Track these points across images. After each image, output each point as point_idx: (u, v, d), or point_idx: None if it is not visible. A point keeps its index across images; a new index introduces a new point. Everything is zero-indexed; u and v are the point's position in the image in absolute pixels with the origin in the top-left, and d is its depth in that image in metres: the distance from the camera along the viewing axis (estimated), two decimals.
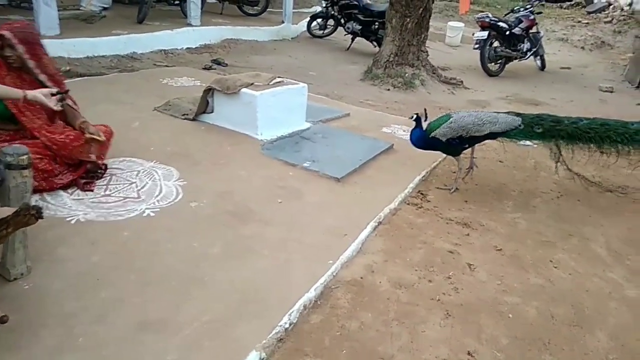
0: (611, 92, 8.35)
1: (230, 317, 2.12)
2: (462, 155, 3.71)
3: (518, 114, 3.69)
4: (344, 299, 2.39)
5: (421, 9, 7.45)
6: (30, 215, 1.78)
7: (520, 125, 3.58)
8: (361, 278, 2.56)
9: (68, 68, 5.63)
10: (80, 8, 7.97)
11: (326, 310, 2.30)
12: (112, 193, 2.94)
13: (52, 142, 2.86)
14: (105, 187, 2.99)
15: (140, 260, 2.40)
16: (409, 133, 3.64)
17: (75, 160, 2.97)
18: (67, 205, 2.75)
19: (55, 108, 2.71)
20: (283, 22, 10.09)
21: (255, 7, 10.44)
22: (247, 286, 2.33)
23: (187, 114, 4.27)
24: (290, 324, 2.14)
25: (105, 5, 8.37)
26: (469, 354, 2.15)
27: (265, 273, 2.45)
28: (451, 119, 3.53)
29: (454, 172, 3.81)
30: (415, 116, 3.55)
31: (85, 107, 4.26)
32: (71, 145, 2.92)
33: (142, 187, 3.05)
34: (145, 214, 2.78)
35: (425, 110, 3.67)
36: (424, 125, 3.57)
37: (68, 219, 2.64)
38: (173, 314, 2.09)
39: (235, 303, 2.20)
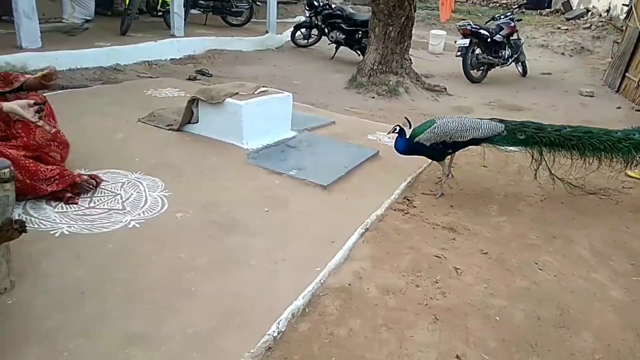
0: (592, 96, 8.50)
1: (218, 328, 2.10)
2: (446, 160, 3.76)
3: (501, 120, 3.73)
4: (332, 306, 2.39)
5: (403, 18, 7.53)
6: (14, 229, 1.76)
7: (503, 132, 3.62)
8: (349, 285, 2.56)
9: None
10: (62, 20, 7.95)
11: (314, 318, 2.29)
12: (97, 205, 2.91)
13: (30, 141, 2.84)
14: (89, 199, 2.97)
15: (125, 273, 2.38)
16: (394, 141, 3.67)
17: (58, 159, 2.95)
18: (50, 218, 2.72)
19: (33, 120, 2.67)
20: (267, 32, 10.14)
21: (239, 18, 10.48)
22: (234, 297, 2.31)
23: (171, 125, 4.26)
24: (278, 333, 2.13)
25: (88, 18, 8.34)
26: (457, 357, 2.16)
27: (253, 283, 2.43)
28: (435, 125, 3.58)
29: (439, 178, 3.85)
30: (397, 128, 3.60)
31: (69, 120, 4.24)
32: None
33: (127, 199, 3.02)
34: (130, 226, 2.76)
35: (407, 118, 3.71)
36: (408, 132, 3.61)
37: (52, 232, 2.60)
38: (159, 326, 2.07)
39: (222, 314, 2.19)
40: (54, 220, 2.71)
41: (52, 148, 3.00)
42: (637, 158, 3.63)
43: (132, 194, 3.08)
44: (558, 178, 3.89)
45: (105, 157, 3.55)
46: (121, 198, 3.02)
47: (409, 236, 3.12)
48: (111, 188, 3.12)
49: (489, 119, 3.78)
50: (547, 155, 3.71)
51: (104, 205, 2.92)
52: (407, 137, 3.61)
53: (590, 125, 3.89)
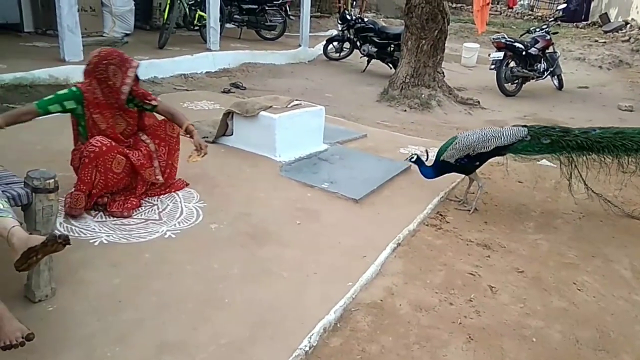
0: (631, 110, 8.26)
1: (249, 339, 2.12)
2: (478, 173, 3.71)
3: (525, 126, 3.66)
4: (364, 321, 2.37)
5: (436, 31, 7.50)
6: (58, 243, 1.82)
7: (526, 137, 3.52)
8: (381, 300, 2.54)
9: None
10: (104, 35, 8.23)
11: (346, 334, 2.28)
12: (134, 215, 2.98)
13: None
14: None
15: (161, 282, 2.42)
16: (419, 171, 3.69)
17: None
18: (90, 227, 2.80)
19: (202, 145, 3.14)
20: (300, 45, 10.25)
21: (273, 32, 10.63)
22: (266, 308, 2.33)
23: (206, 137, 4.33)
24: (310, 347, 2.12)
25: (127, 32, 8.61)
26: None
27: (284, 295, 2.44)
28: (456, 140, 3.58)
29: (473, 193, 3.79)
30: (415, 157, 3.62)
31: None
32: (142, 167, 3.06)
33: (164, 209, 3.09)
34: (166, 236, 2.81)
35: (426, 150, 3.70)
36: (428, 161, 3.66)
37: (91, 241, 2.68)
38: (192, 335, 2.10)
39: (254, 324, 2.20)
40: (94, 229, 2.79)
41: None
42: None
43: (168, 204, 3.15)
44: (594, 192, 3.77)
45: None
46: (158, 209, 3.09)
47: (442, 252, 3.08)
48: (148, 199, 3.19)
49: (513, 126, 3.72)
50: (578, 161, 3.54)
51: (141, 215, 2.99)
52: (427, 164, 3.65)
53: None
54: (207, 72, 7.77)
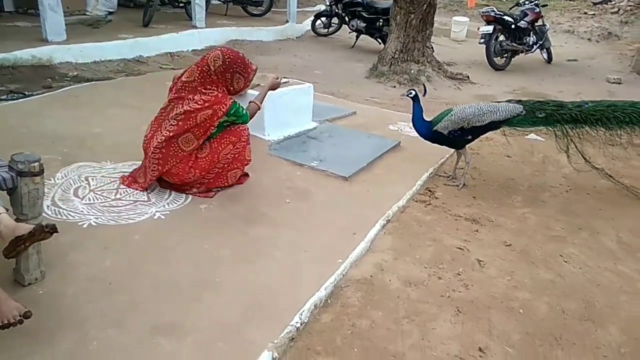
0: (619, 83, 8.29)
1: (243, 318, 2.14)
2: (467, 149, 3.72)
3: (519, 101, 3.67)
4: (355, 297, 2.40)
5: (425, 5, 7.43)
6: (46, 232, 1.82)
7: (522, 112, 3.54)
8: (371, 276, 2.57)
9: (75, 73, 5.69)
10: (86, 13, 8.06)
11: (337, 309, 2.31)
12: (123, 197, 2.97)
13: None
14: (115, 190, 3.03)
15: (152, 264, 2.43)
16: (411, 117, 3.66)
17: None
18: (78, 210, 2.79)
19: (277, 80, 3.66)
20: (287, 21, 10.11)
21: (260, 8, 10.47)
22: (259, 288, 2.35)
23: None
24: (301, 324, 2.15)
25: (111, 10, 8.44)
26: (480, 350, 2.16)
27: (276, 274, 2.46)
28: (452, 112, 3.57)
29: (461, 168, 3.81)
30: (413, 93, 3.59)
31: (94, 112, 4.33)
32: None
33: (152, 190, 3.07)
34: (155, 217, 2.81)
35: (424, 85, 3.67)
36: (422, 100, 3.62)
37: (80, 224, 2.67)
38: (185, 317, 2.11)
39: (247, 305, 2.22)
40: (82, 211, 2.77)
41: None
42: None
43: (156, 185, 3.13)
44: (594, 167, 3.80)
45: (131, 149, 3.60)
46: (146, 190, 3.07)
47: (431, 228, 3.11)
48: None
49: (507, 101, 3.72)
50: (571, 134, 3.59)
51: (129, 197, 2.98)
52: (426, 119, 3.61)
53: None
54: (193, 50, 7.65)
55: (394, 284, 2.53)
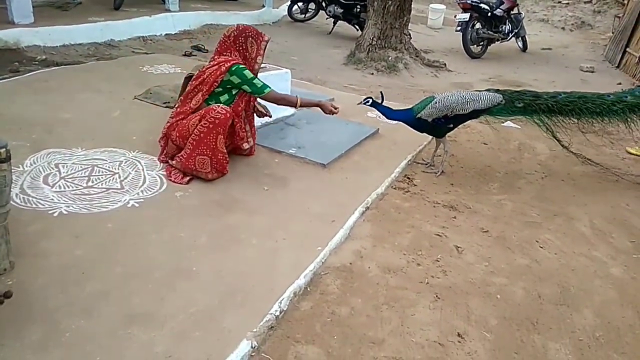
0: (592, 72, 8.44)
1: (219, 307, 2.10)
2: (446, 136, 3.74)
3: (498, 91, 3.72)
4: (334, 285, 2.39)
5: None
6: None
7: (502, 102, 3.60)
8: (350, 264, 2.55)
9: (44, 57, 5.49)
10: None
11: (316, 297, 2.29)
12: (95, 184, 2.88)
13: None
14: (87, 178, 2.93)
15: (126, 252, 2.36)
16: (383, 115, 3.65)
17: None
18: (48, 198, 2.69)
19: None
20: (264, 6, 9.96)
21: None
22: (235, 275, 2.31)
23: (168, 102, 4.19)
24: (280, 312, 2.13)
25: None
26: (458, 335, 2.17)
27: (254, 262, 2.43)
28: (435, 99, 3.57)
29: (439, 155, 3.82)
30: (370, 100, 3.59)
31: (64, 97, 4.19)
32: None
33: (125, 178, 2.99)
34: (129, 205, 2.73)
35: (381, 92, 3.69)
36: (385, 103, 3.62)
37: (50, 212, 2.58)
38: (160, 305, 2.06)
39: (223, 293, 2.18)
40: (52, 199, 2.68)
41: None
42: (631, 120, 3.65)
43: (130, 172, 3.05)
44: (572, 152, 3.91)
45: (103, 135, 3.51)
46: (119, 177, 2.99)
47: (409, 215, 3.11)
48: (109, 167, 3.09)
49: (486, 90, 3.76)
50: (548, 122, 3.70)
51: (102, 184, 2.89)
52: (384, 105, 3.62)
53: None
54: (166, 34, 7.48)
55: (373, 271, 2.53)
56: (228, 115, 3.03)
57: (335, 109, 3.43)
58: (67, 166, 3.04)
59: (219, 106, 3.03)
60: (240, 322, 2.02)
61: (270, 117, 3.75)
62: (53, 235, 2.41)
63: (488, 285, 2.53)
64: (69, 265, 2.24)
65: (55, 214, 2.57)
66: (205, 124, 2.98)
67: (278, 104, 3.37)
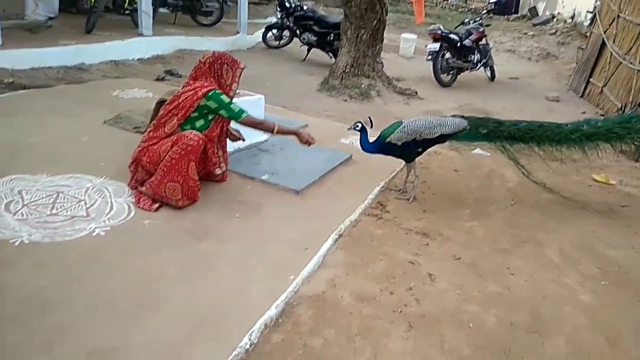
0: (557, 101, 8.70)
1: (187, 340, 2.03)
2: (416, 161, 3.78)
3: (463, 117, 3.81)
4: (306, 315, 2.34)
5: (375, 21, 7.55)
6: None
7: (467, 127, 3.69)
8: (323, 293, 2.52)
9: (11, 80, 5.37)
10: (25, 17, 7.65)
11: (288, 328, 2.24)
12: (59, 212, 2.79)
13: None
14: (51, 205, 2.84)
15: (90, 284, 2.28)
16: (359, 141, 3.68)
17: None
18: (10, 226, 2.59)
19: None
20: (238, 32, 10.02)
21: (209, 17, 10.33)
22: (205, 307, 2.24)
23: (139, 127, 4.13)
24: (250, 345, 2.07)
25: (51, 15, 8.06)
26: None
27: (224, 292, 2.37)
28: (404, 124, 3.63)
29: (411, 182, 3.84)
30: (359, 125, 3.62)
31: (31, 121, 4.09)
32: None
33: (92, 205, 2.91)
34: (95, 234, 2.65)
35: (370, 118, 3.72)
36: (369, 131, 3.64)
37: (11, 241, 2.48)
38: (124, 340, 1.98)
39: (192, 325, 2.11)
40: (13, 228, 2.58)
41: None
42: (588, 148, 3.77)
43: (97, 199, 2.97)
44: (527, 176, 3.98)
45: (69, 161, 3.42)
46: (85, 204, 2.90)
47: (382, 242, 3.10)
48: (75, 194, 3.00)
49: (452, 116, 3.85)
50: (510, 150, 3.80)
51: (66, 212, 2.80)
52: (369, 137, 3.64)
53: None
54: (139, 59, 7.43)
55: (346, 300, 2.49)
56: (201, 142, 3.00)
57: (312, 139, 3.42)
58: (30, 193, 2.94)
59: (191, 132, 3.00)
60: (209, 356, 1.96)
61: (244, 140, 3.73)
62: (13, 266, 2.31)
63: (461, 313, 2.52)
64: (30, 297, 2.14)
65: (17, 243, 2.47)
66: (177, 150, 2.94)
67: (255, 129, 3.35)
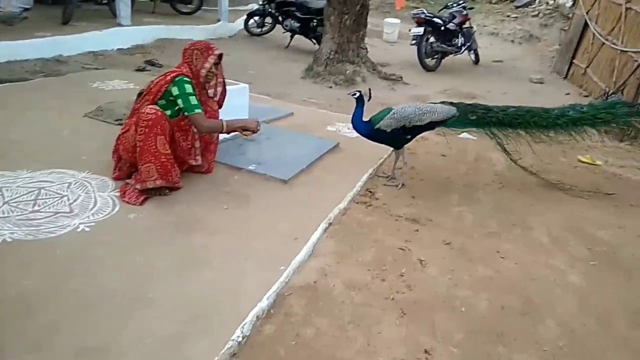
0: (541, 83, 8.75)
1: (180, 335, 2.00)
2: (404, 148, 3.76)
3: (452, 104, 3.81)
4: (298, 305, 2.32)
5: (358, 6, 7.49)
6: None
7: (456, 114, 3.69)
8: (314, 282, 2.50)
9: None
10: None
11: (280, 319, 2.22)
12: (42, 208, 2.72)
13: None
14: (33, 202, 2.77)
15: (77, 281, 2.23)
16: (352, 117, 3.65)
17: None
18: None
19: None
20: (219, 20, 9.87)
21: (189, 5, 10.16)
22: (196, 300, 2.21)
23: (120, 119, 4.04)
24: (243, 337, 2.04)
25: (26, 6, 7.82)
26: (425, 352, 2.14)
27: (215, 285, 2.33)
28: (394, 111, 3.62)
29: (400, 168, 3.83)
30: (358, 94, 3.61)
31: (9, 116, 3.98)
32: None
33: (75, 200, 2.84)
34: (79, 230, 2.59)
35: (370, 90, 3.69)
36: (366, 105, 3.63)
37: None
38: (115, 337, 1.94)
39: (183, 320, 2.08)
40: None
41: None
42: (575, 132, 3.83)
43: (80, 195, 2.90)
44: (517, 163, 3.99)
45: (50, 156, 3.33)
46: (68, 200, 2.83)
47: (372, 229, 3.09)
48: (57, 189, 2.93)
49: (441, 102, 3.83)
50: (499, 135, 3.83)
51: (49, 208, 2.73)
52: (366, 118, 3.62)
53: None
54: (118, 49, 7.27)
55: (338, 289, 2.48)
56: (159, 113, 2.93)
57: (258, 125, 3.29)
58: (11, 190, 2.86)
59: (147, 107, 2.95)
60: (202, 351, 1.93)
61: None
62: None
63: (452, 298, 2.52)
64: (15, 297, 2.09)
65: None
66: (140, 131, 2.89)
67: (202, 132, 3.22)
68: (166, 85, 3.05)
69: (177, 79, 3.06)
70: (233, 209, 3.03)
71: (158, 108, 2.97)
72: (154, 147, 2.89)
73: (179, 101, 3.04)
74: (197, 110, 3.06)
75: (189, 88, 3.06)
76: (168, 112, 3.05)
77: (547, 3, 14.58)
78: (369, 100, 3.62)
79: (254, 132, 3.28)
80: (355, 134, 3.74)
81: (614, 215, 3.66)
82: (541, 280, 2.76)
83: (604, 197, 3.95)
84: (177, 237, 2.66)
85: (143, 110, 2.92)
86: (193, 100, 3.06)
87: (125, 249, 2.49)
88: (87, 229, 2.60)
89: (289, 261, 2.56)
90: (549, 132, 3.82)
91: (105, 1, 8.45)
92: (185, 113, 3.07)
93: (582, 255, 3.07)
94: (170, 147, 3.00)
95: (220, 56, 3.26)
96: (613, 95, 6.77)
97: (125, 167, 3.09)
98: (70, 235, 2.54)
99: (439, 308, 2.44)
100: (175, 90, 3.04)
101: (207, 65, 3.18)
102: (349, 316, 2.30)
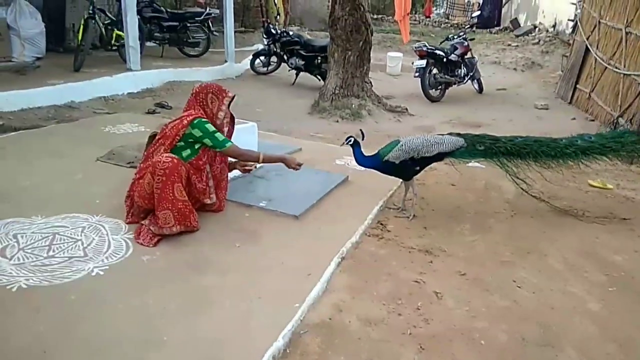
0: (547, 109, 8.78)
1: None
2: (414, 179, 3.77)
3: (459, 135, 3.83)
4: (314, 343, 2.29)
5: (361, 42, 7.64)
6: None
7: (464, 145, 3.72)
8: (330, 319, 2.47)
9: (1, 122, 5.35)
10: (13, 60, 7.66)
11: (296, 359, 2.19)
12: (56, 253, 2.74)
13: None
14: (48, 247, 2.79)
15: (90, 326, 2.22)
16: (354, 159, 3.71)
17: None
18: (6, 272, 2.54)
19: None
20: (226, 61, 10.09)
21: (197, 48, 10.41)
22: (210, 342, 2.19)
23: (132, 162, 4.10)
24: None
25: (39, 55, 8.06)
26: None
27: (228, 325, 2.31)
28: (401, 142, 3.66)
29: (410, 199, 3.83)
30: (352, 139, 3.66)
31: (23, 163, 4.06)
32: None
33: (89, 244, 2.86)
34: (93, 274, 2.60)
35: (361, 130, 3.74)
36: (368, 149, 3.67)
37: (8, 287, 2.42)
38: None
39: None
40: (10, 273, 2.52)
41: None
42: (584, 162, 3.85)
43: (93, 238, 2.92)
44: (533, 196, 3.99)
45: (64, 201, 3.38)
46: (82, 244, 2.86)
47: (386, 262, 3.06)
48: (71, 234, 2.95)
49: (448, 134, 3.86)
50: (508, 164, 3.83)
51: (63, 253, 2.75)
52: (363, 150, 3.68)
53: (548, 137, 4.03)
54: (129, 93, 7.44)
55: (354, 325, 2.45)
56: (175, 161, 2.97)
57: (299, 165, 3.44)
58: (26, 236, 2.89)
59: (162, 156, 2.99)
60: None
61: (256, 168, 3.80)
62: (12, 312, 2.26)
63: (471, 330, 2.48)
64: (29, 343, 2.09)
65: (14, 289, 2.41)
66: (157, 179, 2.92)
67: (240, 160, 3.35)
68: (184, 129, 3.11)
69: (195, 121, 3.12)
70: (245, 247, 3.03)
71: (174, 156, 3.01)
72: (171, 194, 2.93)
73: (206, 141, 3.12)
74: (228, 144, 3.18)
75: (210, 127, 3.15)
76: (187, 152, 3.13)
77: (547, 31, 14.81)
78: (362, 139, 3.68)
79: (295, 169, 3.48)
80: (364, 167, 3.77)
81: (629, 239, 3.61)
82: (559, 308, 2.71)
83: (618, 221, 3.91)
84: (189, 278, 2.66)
85: (159, 159, 2.95)
86: (220, 136, 3.16)
87: (138, 292, 2.49)
88: (101, 273, 2.61)
89: (303, 298, 2.54)
90: (558, 161, 3.84)
91: (115, 47, 8.68)
92: (218, 149, 3.18)
93: (599, 281, 3.02)
94: (186, 189, 3.03)
95: (232, 98, 3.35)
96: (619, 118, 6.79)
97: (137, 213, 3.12)
98: (84, 279, 2.55)
99: (458, 341, 2.39)
100: (197, 132, 3.11)
101: (223, 107, 3.29)
102: (367, 353, 2.26)
